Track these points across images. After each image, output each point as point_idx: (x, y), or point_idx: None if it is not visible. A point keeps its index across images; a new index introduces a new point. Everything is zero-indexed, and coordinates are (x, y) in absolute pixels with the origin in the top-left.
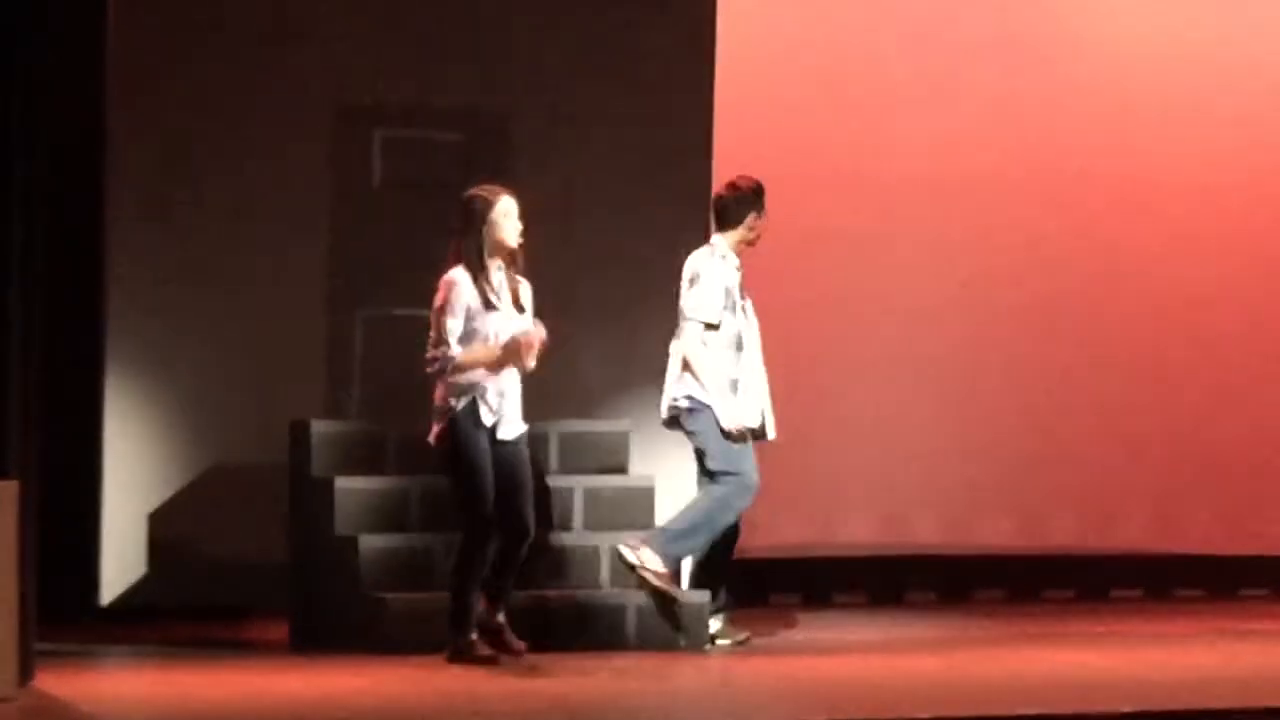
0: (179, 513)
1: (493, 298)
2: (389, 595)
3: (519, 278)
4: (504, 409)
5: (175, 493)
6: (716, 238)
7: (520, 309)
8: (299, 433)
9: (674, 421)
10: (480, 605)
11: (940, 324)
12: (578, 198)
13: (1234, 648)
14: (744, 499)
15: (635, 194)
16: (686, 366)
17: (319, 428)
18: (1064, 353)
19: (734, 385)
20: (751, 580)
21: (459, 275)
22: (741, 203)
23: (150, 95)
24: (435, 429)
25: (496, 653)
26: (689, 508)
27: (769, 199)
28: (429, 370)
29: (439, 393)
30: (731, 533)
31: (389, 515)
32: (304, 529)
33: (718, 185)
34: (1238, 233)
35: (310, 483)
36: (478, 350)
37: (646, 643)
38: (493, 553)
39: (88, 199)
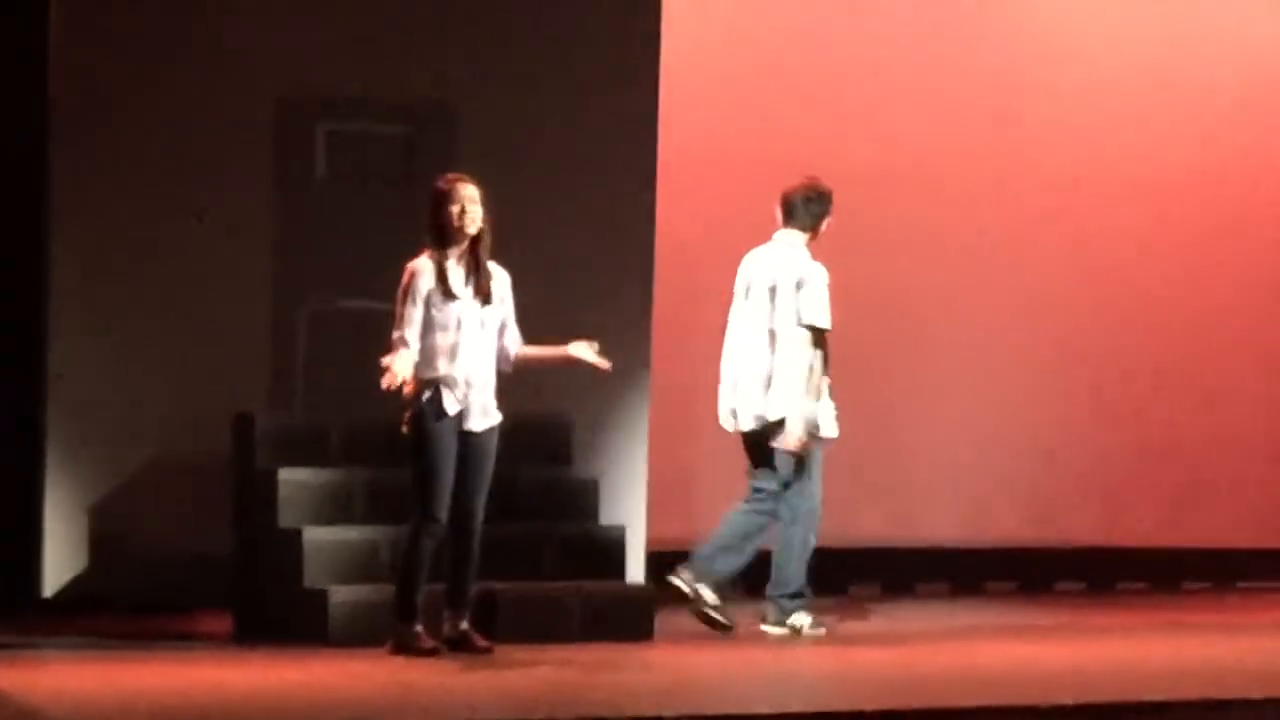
0: (121, 505)
1: (454, 285)
2: (332, 588)
3: (494, 267)
4: (472, 399)
5: (117, 485)
6: (795, 236)
7: (487, 299)
8: (242, 425)
9: (759, 434)
10: (444, 614)
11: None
12: (523, 191)
13: (1178, 640)
14: (813, 533)
15: (582, 187)
16: (778, 375)
17: (262, 420)
18: (1007, 344)
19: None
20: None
21: (421, 263)
22: (822, 201)
23: (93, 90)
24: (405, 417)
25: (440, 644)
26: (781, 551)
27: (722, 191)
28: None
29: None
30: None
31: (332, 507)
32: (247, 522)
33: (671, 179)
34: (1200, 230)
35: (253, 475)
36: (399, 354)
37: (592, 635)
38: (434, 548)
39: (29, 194)
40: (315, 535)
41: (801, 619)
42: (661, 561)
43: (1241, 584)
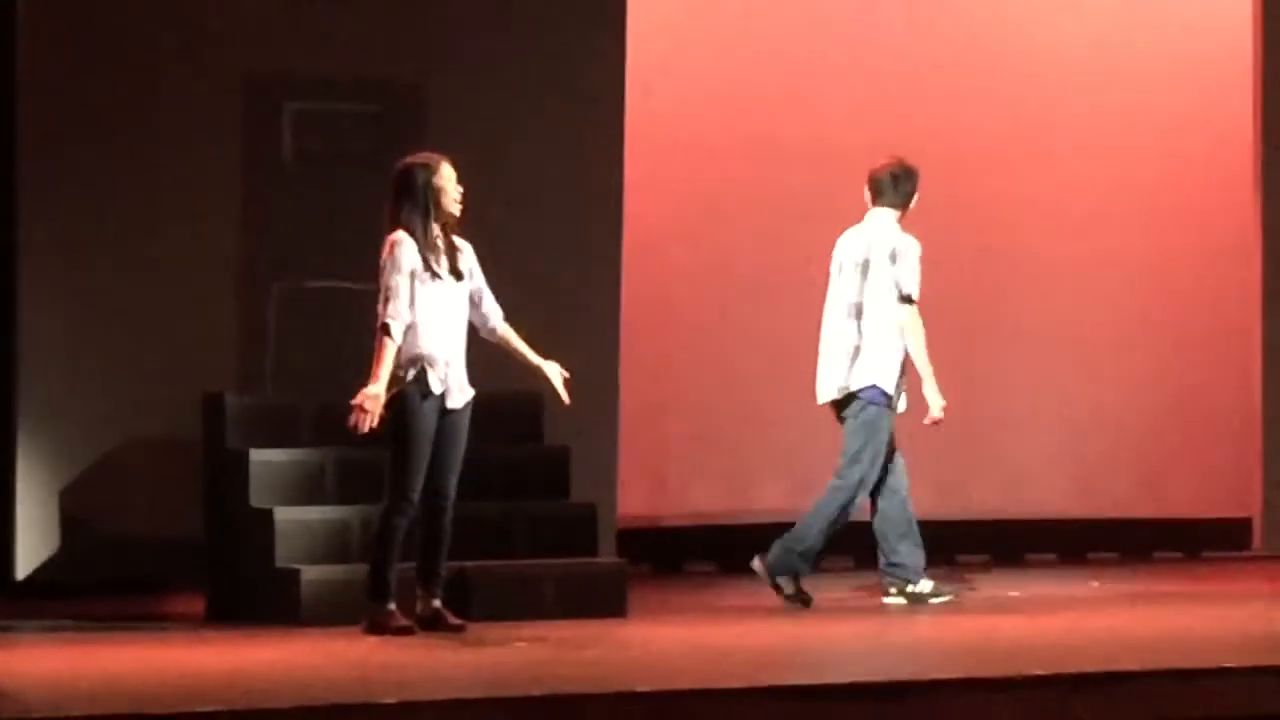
0: (93, 487)
1: (435, 264)
2: (304, 567)
3: (459, 242)
4: (450, 377)
5: (89, 467)
6: (886, 213)
7: (459, 276)
8: (213, 406)
9: (841, 404)
10: (417, 594)
11: None
12: (490, 170)
13: (1147, 611)
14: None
15: (549, 165)
16: (870, 349)
17: (233, 401)
18: (976, 318)
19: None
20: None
21: (402, 236)
22: (910, 178)
23: (60, 70)
24: (387, 395)
25: (413, 623)
26: (814, 510)
27: (691, 171)
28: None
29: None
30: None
31: (304, 488)
32: (219, 502)
33: (639, 158)
34: (1158, 208)
35: (224, 456)
36: (384, 366)
37: (566, 612)
38: (409, 526)
39: None
40: (287, 515)
41: (925, 585)
42: (632, 538)
43: None
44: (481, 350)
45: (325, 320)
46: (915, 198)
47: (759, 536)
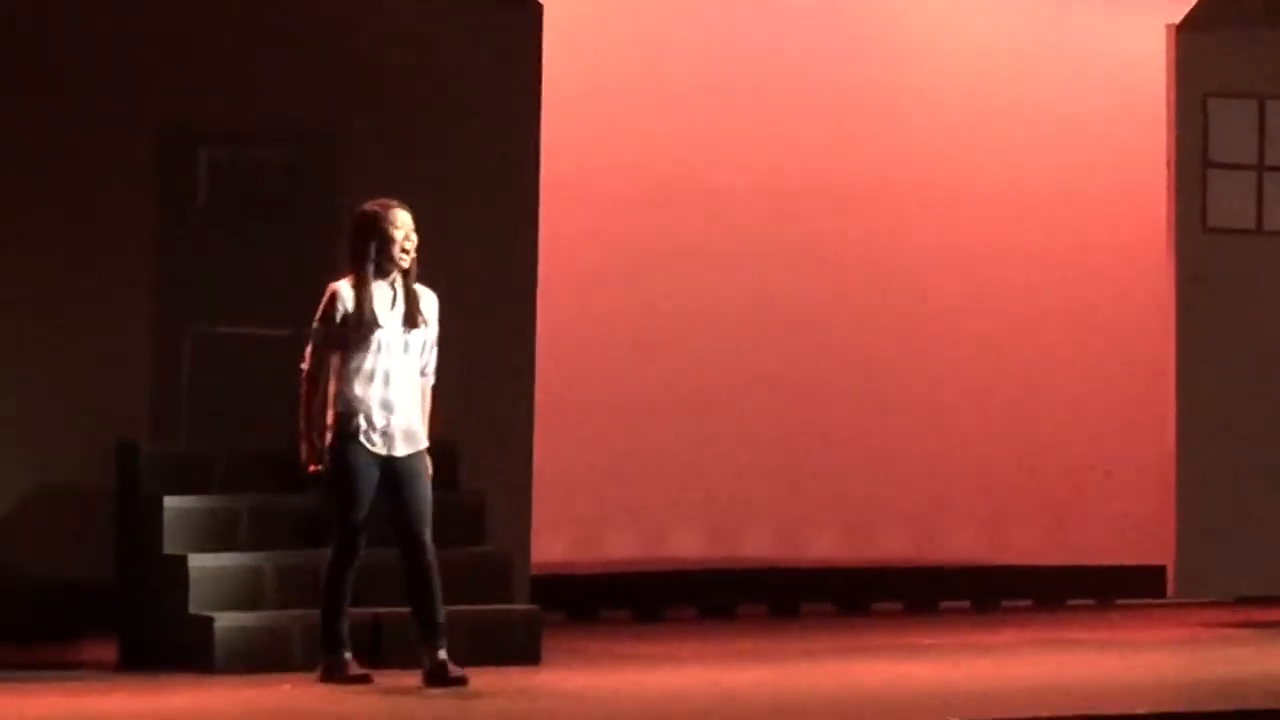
0: (4, 534)
1: (379, 311)
2: (218, 614)
3: (421, 289)
4: (394, 424)
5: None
6: None
7: (416, 324)
8: (126, 453)
9: None
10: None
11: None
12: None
13: (1060, 657)
14: None
15: (463, 211)
16: None
17: (146, 448)
18: (889, 365)
19: None
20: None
21: (342, 286)
22: None
23: None
24: (324, 443)
25: (368, 672)
26: None
27: (607, 210)
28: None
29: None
30: None
31: (217, 534)
32: (132, 549)
33: (553, 207)
34: (1070, 252)
35: (138, 502)
36: (305, 416)
37: (479, 659)
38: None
39: None
40: (200, 562)
41: None
42: (547, 585)
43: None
44: None
45: (239, 366)
46: None
47: (674, 584)
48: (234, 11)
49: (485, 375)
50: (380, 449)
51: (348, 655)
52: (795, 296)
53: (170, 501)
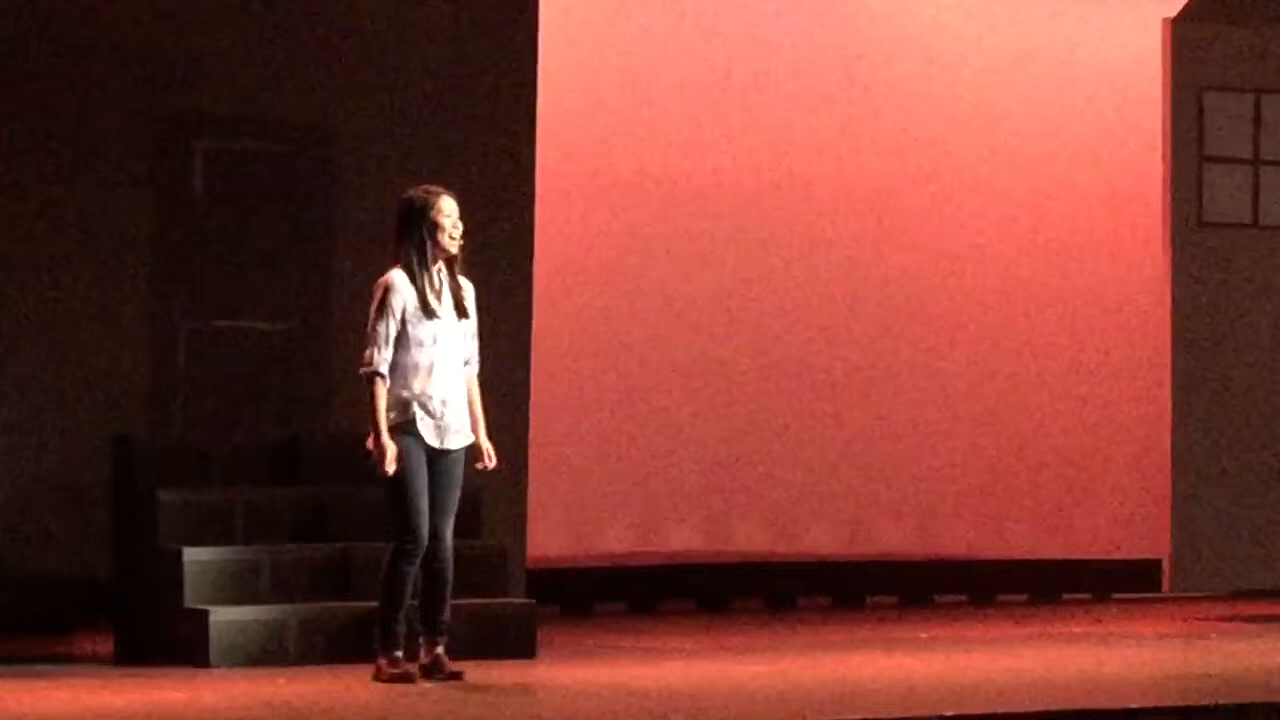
0: (1, 528)
1: (433, 302)
2: (213, 608)
3: (462, 280)
4: (448, 417)
5: None
6: None
7: (464, 313)
8: (122, 447)
9: None
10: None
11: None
12: None
13: (1056, 651)
14: None
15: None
16: None
17: (142, 441)
18: (886, 358)
19: None
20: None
21: (396, 277)
22: None
23: None
24: (370, 437)
25: (415, 670)
26: None
27: (603, 207)
28: (360, 373)
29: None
30: None
31: (213, 528)
32: (128, 542)
33: (550, 199)
34: (1067, 248)
35: (134, 496)
36: (380, 414)
37: (475, 653)
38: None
39: None
40: (196, 556)
41: None
42: (542, 579)
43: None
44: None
45: (235, 360)
46: None
47: (669, 577)
48: (233, 8)
49: (482, 368)
50: (434, 442)
51: (399, 654)
52: (790, 292)
53: (166, 495)
